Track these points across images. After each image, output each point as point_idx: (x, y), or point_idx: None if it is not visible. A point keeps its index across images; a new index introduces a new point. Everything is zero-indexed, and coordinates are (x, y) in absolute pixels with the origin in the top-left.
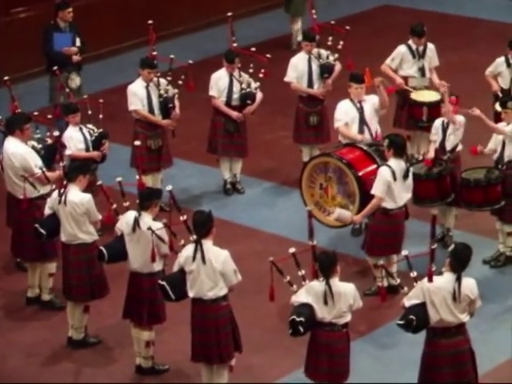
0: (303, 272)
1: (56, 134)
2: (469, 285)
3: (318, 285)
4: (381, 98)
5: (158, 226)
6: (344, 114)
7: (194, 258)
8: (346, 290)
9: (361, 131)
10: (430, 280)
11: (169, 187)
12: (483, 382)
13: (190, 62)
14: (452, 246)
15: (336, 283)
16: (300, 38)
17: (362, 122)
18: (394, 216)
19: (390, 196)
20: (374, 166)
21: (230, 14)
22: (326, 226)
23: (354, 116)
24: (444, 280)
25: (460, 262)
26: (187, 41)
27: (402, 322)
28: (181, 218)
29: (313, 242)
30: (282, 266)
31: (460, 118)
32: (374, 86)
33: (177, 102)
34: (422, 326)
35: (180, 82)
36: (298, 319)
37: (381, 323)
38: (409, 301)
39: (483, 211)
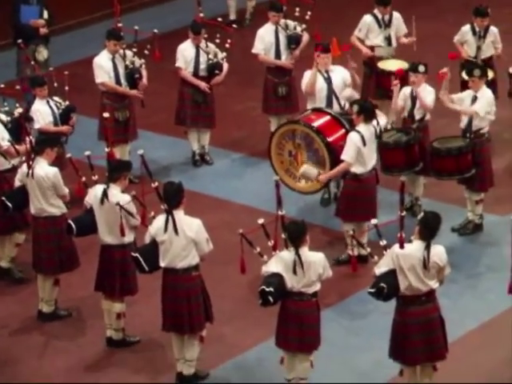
0: (273, 242)
1: (19, 110)
2: (438, 252)
3: (288, 254)
4: (353, 79)
5: (126, 198)
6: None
7: (165, 229)
8: (316, 260)
9: (329, 101)
10: (402, 247)
11: (140, 151)
12: (453, 349)
13: (155, 31)
14: (421, 214)
15: (305, 253)
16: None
17: (330, 91)
18: (364, 180)
19: (360, 161)
20: (343, 131)
21: None
22: (297, 193)
23: (321, 85)
24: (413, 248)
25: (429, 230)
26: (154, 12)
27: (372, 290)
28: (152, 185)
29: (281, 212)
30: (252, 236)
31: (432, 97)
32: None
33: (144, 72)
34: (392, 294)
35: (146, 52)
36: (267, 289)
37: (351, 292)
38: (379, 269)
39: (454, 180)
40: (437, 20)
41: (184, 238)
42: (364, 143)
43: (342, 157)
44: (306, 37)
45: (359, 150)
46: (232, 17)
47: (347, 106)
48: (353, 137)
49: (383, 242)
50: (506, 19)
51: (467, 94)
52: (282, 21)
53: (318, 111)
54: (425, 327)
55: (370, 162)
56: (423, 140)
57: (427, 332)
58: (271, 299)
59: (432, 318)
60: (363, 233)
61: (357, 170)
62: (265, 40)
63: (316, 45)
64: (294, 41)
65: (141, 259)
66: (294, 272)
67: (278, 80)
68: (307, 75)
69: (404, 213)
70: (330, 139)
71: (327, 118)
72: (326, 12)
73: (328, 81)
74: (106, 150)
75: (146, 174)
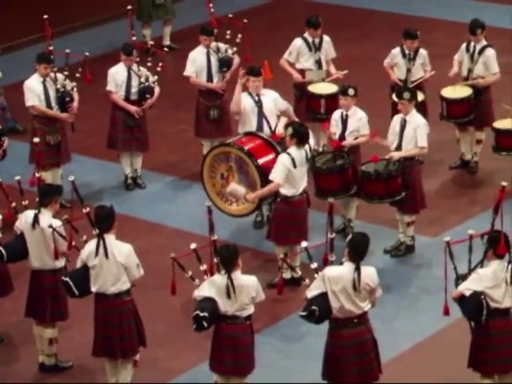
0: (205, 267)
1: None
2: (369, 274)
3: (220, 278)
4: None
5: (57, 223)
6: (242, 107)
7: (96, 253)
8: (249, 283)
9: (259, 125)
10: (326, 265)
11: (71, 177)
12: (386, 370)
13: (87, 54)
14: (349, 236)
15: (238, 276)
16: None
17: (261, 115)
18: (295, 203)
19: (291, 183)
20: (274, 155)
21: (129, 7)
22: (228, 216)
23: (251, 109)
24: (344, 269)
25: (358, 251)
26: (85, 35)
27: (304, 314)
28: (83, 211)
29: (213, 237)
30: (185, 260)
31: (361, 114)
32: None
33: (76, 95)
34: (324, 317)
35: (77, 75)
36: (201, 314)
37: (284, 315)
38: (310, 292)
39: (384, 203)
40: (367, 42)
41: (114, 263)
42: (295, 166)
43: (270, 177)
44: (237, 59)
45: (289, 172)
46: (166, 42)
47: (278, 129)
48: (283, 158)
49: (314, 265)
50: (436, 42)
51: (396, 119)
52: (214, 44)
53: (251, 135)
54: (358, 349)
55: (300, 184)
56: (355, 163)
57: (360, 354)
58: (205, 324)
59: (365, 339)
60: (295, 255)
61: (288, 192)
62: (196, 63)
63: (249, 69)
64: (225, 64)
65: (71, 283)
66: (228, 296)
67: (210, 103)
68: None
69: (333, 235)
70: (261, 162)
71: (259, 141)
72: (257, 35)
73: (259, 104)
74: (37, 175)
75: (78, 199)
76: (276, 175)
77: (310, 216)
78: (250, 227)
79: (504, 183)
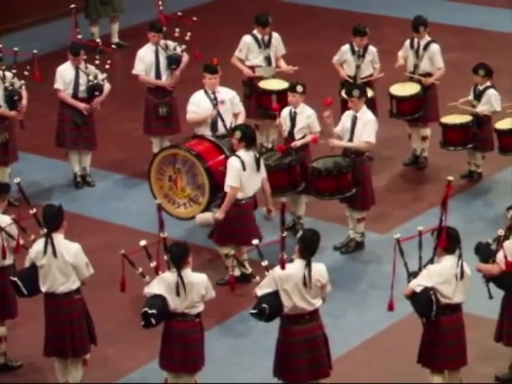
0: (155, 263)
1: None
2: (319, 270)
3: (170, 276)
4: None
5: (6, 220)
6: (196, 106)
7: (44, 252)
8: (199, 281)
9: (214, 123)
10: (283, 267)
11: (17, 179)
12: (336, 366)
13: (35, 51)
14: (300, 233)
15: (188, 274)
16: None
17: (217, 113)
18: (242, 206)
19: (240, 186)
20: (222, 157)
21: (73, 6)
22: (175, 219)
23: (207, 107)
24: (294, 267)
25: (308, 248)
26: (33, 33)
27: (254, 311)
28: (30, 212)
29: (163, 235)
30: (135, 257)
31: (310, 112)
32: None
33: (24, 93)
34: (274, 315)
35: (26, 73)
36: (149, 311)
37: (234, 312)
38: (261, 290)
39: (335, 199)
40: (316, 39)
41: (63, 263)
42: (244, 168)
43: (227, 183)
44: (186, 57)
45: (240, 175)
46: (114, 39)
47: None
48: (233, 161)
49: (265, 263)
50: (384, 39)
51: (347, 115)
52: (162, 41)
53: (200, 138)
54: (309, 346)
55: (249, 187)
56: (304, 160)
57: (311, 350)
58: (153, 321)
59: (316, 336)
60: (243, 252)
61: (238, 195)
62: (145, 60)
63: (205, 66)
64: (174, 61)
65: (19, 283)
66: (178, 294)
67: (159, 100)
68: (194, 98)
69: (285, 233)
70: (209, 164)
71: (208, 144)
72: (206, 32)
73: (214, 102)
74: None
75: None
76: (231, 180)
77: (259, 213)
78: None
79: (450, 178)
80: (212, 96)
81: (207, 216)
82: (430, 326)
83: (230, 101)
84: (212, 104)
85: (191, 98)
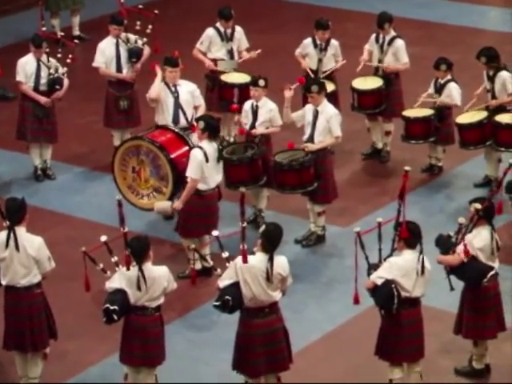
0: (116, 258)
1: None
2: (280, 263)
3: (131, 270)
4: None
5: None
6: (159, 97)
7: (6, 246)
8: (160, 274)
9: (175, 116)
10: (245, 260)
11: None
12: (297, 360)
13: None
14: (263, 227)
15: (149, 268)
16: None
17: (177, 106)
18: (206, 197)
19: (203, 178)
20: (186, 148)
21: None
22: (140, 209)
23: (168, 100)
24: (256, 259)
25: (271, 241)
26: None
27: (218, 303)
28: None
29: (124, 230)
30: (96, 252)
31: (272, 105)
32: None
33: None
34: (237, 306)
35: None
36: (111, 307)
37: (195, 305)
38: (222, 281)
39: (296, 193)
40: (279, 33)
41: (25, 256)
42: (207, 159)
43: (187, 174)
44: (147, 50)
45: (203, 166)
46: (75, 32)
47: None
48: (196, 153)
49: (225, 254)
50: (347, 33)
51: (308, 108)
52: (123, 34)
53: (163, 128)
54: (268, 338)
55: (213, 179)
56: (266, 153)
57: (271, 343)
58: (115, 317)
59: (276, 329)
60: (205, 245)
61: (199, 186)
62: (105, 53)
63: (166, 59)
64: (135, 54)
65: None
66: (139, 288)
67: (120, 93)
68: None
69: (245, 224)
70: (172, 155)
71: (171, 134)
72: (168, 26)
73: (175, 95)
74: None
75: None
76: (192, 172)
77: (221, 206)
78: (160, 218)
79: (407, 168)
80: (173, 89)
81: (165, 204)
82: (389, 319)
83: (191, 93)
84: (173, 97)
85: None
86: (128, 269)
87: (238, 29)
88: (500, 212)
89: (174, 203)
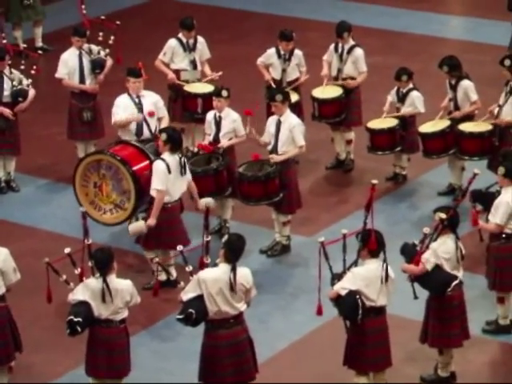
0: (79, 270)
1: None
2: (244, 274)
3: (95, 282)
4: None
5: None
6: (122, 109)
7: None
8: (123, 287)
9: (139, 127)
10: (201, 268)
11: None
12: (262, 369)
13: None
14: (225, 237)
15: (113, 280)
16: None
17: (143, 118)
18: (169, 209)
19: (166, 189)
20: (147, 162)
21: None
22: (102, 225)
23: (132, 111)
24: (219, 271)
25: (234, 252)
26: None
27: (181, 317)
28: None
29: (88, 242)
30: (60, 263)
31: (235, 116)
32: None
33: None
34: (201, 319)
35: None
36: (75, 319)
37: (160, 317)
38: (186, 294)
39: (262, 205)
40: (241, 43)
41: None
42: (169, 171)
43: (153, 186)
44: (109, 61)
45: (166, 178)
46: (38, 43)
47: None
48: (158, 164)
49: (189, 268)
50: (309, 42)
51: (271, 120)
52: (86, 45)
53: (124, 143)
54: (234, 349)
55: (175, 191)
56: (231, 164)
57: (236, 354)
58: (79, 329)
59: (241, 339)
60: (169, 258)
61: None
62: (68, 64)
63: (129, 70)
64: (98, 65)
65: None
66: (103, 300)
67: (83, 105)
68: (119, 102)
69: (209, 237)
70: (134, 169)
71: (132, 149)
72: (130, 36)
73: (139, 106)
74: None
75: None
76: (157, 183)
77: (185, 217)
78: (126, 230)
79: (374, 181)
80: (136, 100)
81: (139, 225)
82: (354, 329)
83: (154, 104)
84: (136, 108)
85: (116, 101)
86: (81, 280)
87: (201, 39)
88: (476, 223)
89: (148, 221)
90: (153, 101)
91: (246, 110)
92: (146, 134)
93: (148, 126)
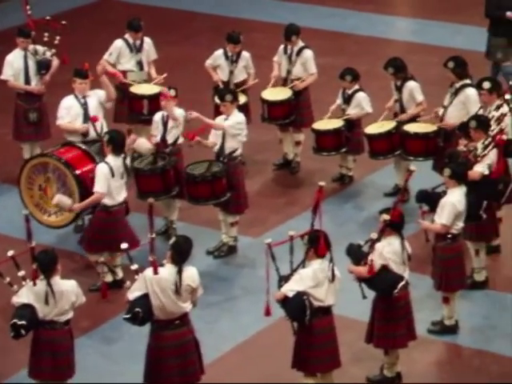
0: (23, 272)
1: None
2: (190, 274)
3: (39, 284)
4: (107, 90)
5: None
6: (67, 111)
7: None
8: (68, 288)
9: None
10: (155, 271)
11: None
12: (209, 371)
13: None
14: (173, 239)
15: (57, 281)
16: None
17: (87, 117)
18: (114, 213)
19: (109, 193)
20: (93, 165)
21: None
22: (47, 227)
23: (78, 112)
24: (166, 272)
25: (180, 254)
26: None
27: (128, 316)
28: None
29: (31, 244)
30: (3, 266)
31: (179, 112)
32: (98, 77)
33: None
34: (148, 318)
35: None
36: (19, 322)
37: (106, 318)
38: (132, 293)
39: (209, 205)
40: (188, 44)
41: None
42: (113, 174)
43: (94, 189)
44: (55, 62)
45: (109, 181)
46: None
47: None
48: (101, 167)
49: (134, 266)
50: (256, 44)
51: (219, 120)
52: (31, 46)
53: (69, 145)
54: (179, 350)
55: (119, 194)
56: (178, 164)
57: (182, 355)
58: (23, 332)
59: (186, 340)
60: (114, 258)
61: (106, 201)
62: (14, 66)
63: (75, 71)
64: (43, 66)
65: None
66: (47, 302)
67: (29, 106)
68: (64, 103)
69: (154, 235)
70: (78, 172)
71: (77, 151)
72: (76, 37)
73: (84, 107)
74: None
75: None
76: (98, 186)
77: (130, 217)
78: (71, 231)
79: (322, 183)
80: (82, 101)
81: (66, 200)
82: (302, 330)
83: (98, 100)
84: (82, 109)
85: (61, 102)
86: (34, 284)
87: (147, 40)
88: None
89: (75, 204)
90: (97, 97)
91: (188, 134)
92: (93, 134)
93: (94, 126)
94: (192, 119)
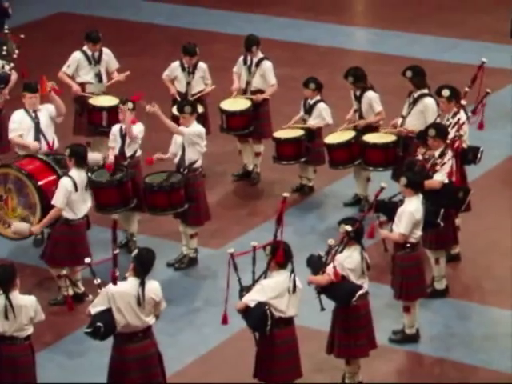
0: None
1: None
2: (153, 287)
3: None
4: (56, 105)
5: None
6: (18, 124)
7: None
8: (27, 303)
9: (37, 141)
10: (115, 283)
11: None
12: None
13: None
14: (135, 251)
15: (16, 296)
16: None
17: (38, 131)
18: (75, 227)
19: (71, 206)
20: (55, 177)
21: None
22: (7, 239)
23: (29, 126)
24: (128, 285)
25: (143, 266)
26: None
27: (89, 330)
28: None
29: None
30: None
31: (138, 130)
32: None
33: None
34: (109, 333)
35: None
36: None
37: (68, 332)
38: (94, 308)
39: (167, 215)
40: (146, 56)
41: None
42: (76, 189)
43: (53, 202)
44: (14, 76)
45: (70, 196)
46: None
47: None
48: (64, 182)
49: (97, 281)
50: (215, 55)
51: (180, 128)
52: None
53: (31, 157)
54: (142, 363)
55: (81, 208)
56: (136, 176)
57: (145, 368)
58: None
59: (150, 353)
60: (76, 272)
61: (68, 215)
62: None
63: (25, 85)
64: (2, 80)
65: None
66: (6, 317)
67: None
68: (15, 117)
69: (117, 250)
70: (41, 183)
71: (39, 163)
72: (35, 50)
73: (36, 121)
74: None
75: None
76: (57, 200)
77: (91, 231)
78: (30, 245)
79: (286, 194)
80: (33, 114)
81: (23, 226)
82: (263, 341)
83: (49, 115)
84: (33, 123)
85: (12, 116)
86: None
87: (106, 50)
88: (372, 236)
89: (33, 227)
90: (48, 112)
91: (146, 161)
92: (44, 146)
93: (45, 138)
94: (151, 113)
